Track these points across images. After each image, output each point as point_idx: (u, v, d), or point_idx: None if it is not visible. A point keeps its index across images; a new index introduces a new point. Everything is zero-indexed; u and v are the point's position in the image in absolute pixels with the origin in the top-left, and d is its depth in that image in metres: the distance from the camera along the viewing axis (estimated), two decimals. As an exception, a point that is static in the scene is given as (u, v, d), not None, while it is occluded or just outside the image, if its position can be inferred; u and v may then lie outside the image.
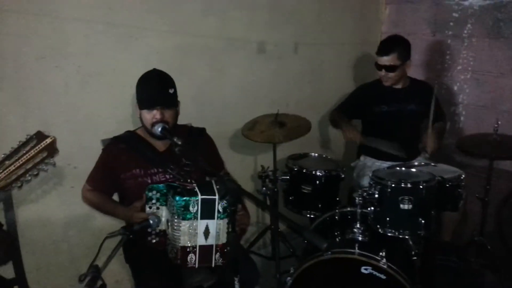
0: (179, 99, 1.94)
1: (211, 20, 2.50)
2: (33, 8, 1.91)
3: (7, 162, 1.13)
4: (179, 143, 1.63)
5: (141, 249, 1.81)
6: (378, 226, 1.98)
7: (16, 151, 1.12)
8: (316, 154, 2.65)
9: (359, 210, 1.97)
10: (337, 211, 2.22)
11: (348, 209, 2.22)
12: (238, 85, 2.70)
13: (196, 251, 1.66)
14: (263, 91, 2.83)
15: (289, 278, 1.98)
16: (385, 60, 2.56)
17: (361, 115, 2.80)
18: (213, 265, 1.70)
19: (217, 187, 1.66)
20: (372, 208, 2.00)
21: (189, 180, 1.79)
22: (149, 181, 1.89)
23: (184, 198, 1.61)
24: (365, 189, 2.02)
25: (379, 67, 2.60)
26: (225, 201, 1.62)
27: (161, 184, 1.73)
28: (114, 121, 2.21)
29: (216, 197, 1.63)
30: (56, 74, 2.02)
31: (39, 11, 1.93)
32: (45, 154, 1.11)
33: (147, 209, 1.71)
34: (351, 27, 3.24)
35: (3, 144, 1.88)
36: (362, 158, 2.79)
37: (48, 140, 1.11)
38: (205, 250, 1.67)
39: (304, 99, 3.03)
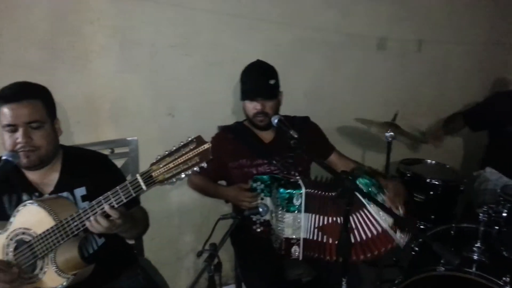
0: (291, 91, 1.93)
1: (332, 13, 2.46)
2: (170, -1, 2.06)
3: (167, 159, 1.21)
4: (295, 136, 1.61)
5: (246, 235, 1.86)
6: (503, 248, 1.79)
7: (176, 150, 1.21)
8: (433, 161, 2.47)
9: (482, 228, 1.78)
10: (453, 225, 2.04)
11: (466, 225, 2.03)
12: (352, 82, 2.63)
13: (300, 243, 1.67)
14: (378, 90, 2.71)
15: (393, 288, 1.88)
16: None
17: (488, 129, 2.49)
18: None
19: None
20: (497, 227, 1.80)
21: (292, 172, 1.79)
22: (255, 171, 1.92)
23: (288, 190, 1.63)
24: (491, 206, 1.82)
25: None
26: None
27: (266, 176, 1.75)
28: (229, 110, 2.30)
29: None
30: (184, 62, 2.15)
31: (175, 1, 2.06)
32: (199, 159, 1.18)
33: None
34: (484, 25, 2.93)
35: (135, 122, 2.11)
36: (488, 169, 2.46)
37: (206, 146, 1.19)
38: (310, 244, 1.66)
39: (423, 101, 2.85)
